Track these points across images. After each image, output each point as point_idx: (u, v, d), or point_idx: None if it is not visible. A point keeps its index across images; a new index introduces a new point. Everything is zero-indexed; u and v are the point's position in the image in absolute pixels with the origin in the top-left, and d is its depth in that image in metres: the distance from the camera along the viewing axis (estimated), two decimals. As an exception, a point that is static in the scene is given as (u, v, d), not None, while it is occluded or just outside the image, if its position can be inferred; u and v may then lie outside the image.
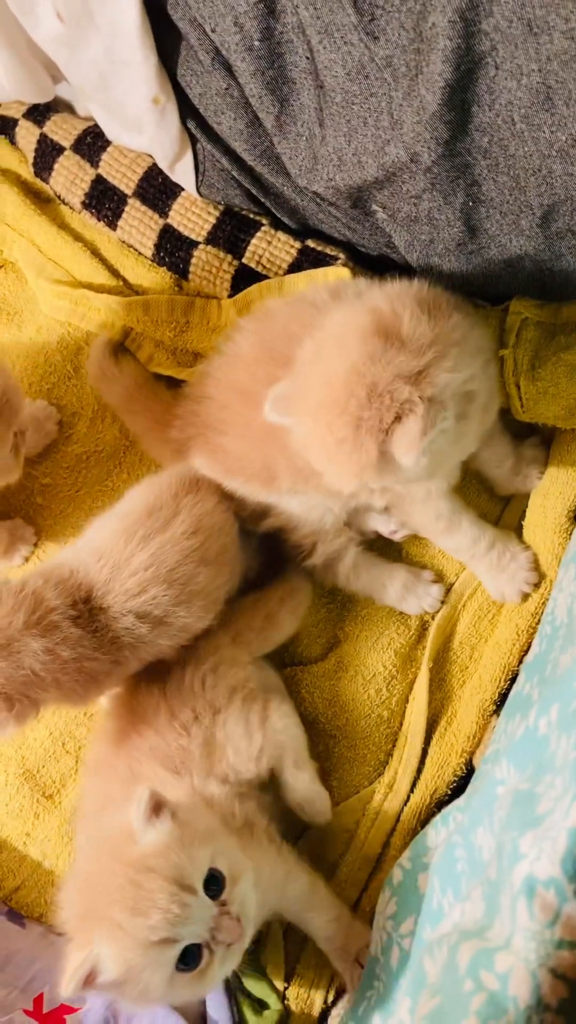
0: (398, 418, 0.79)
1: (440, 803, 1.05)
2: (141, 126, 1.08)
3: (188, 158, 1.13)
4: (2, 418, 1.02)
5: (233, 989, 1.00)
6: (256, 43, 0.88)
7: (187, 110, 1.06)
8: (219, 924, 0.74)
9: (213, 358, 1.09)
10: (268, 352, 0.99)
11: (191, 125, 1.09)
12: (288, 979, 1.03)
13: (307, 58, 0.88)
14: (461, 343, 0.85)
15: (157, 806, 0.77)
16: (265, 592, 1.13)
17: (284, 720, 1.00)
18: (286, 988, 1.02)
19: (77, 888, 0.79)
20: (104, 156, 1.24)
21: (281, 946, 1.03)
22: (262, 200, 1.17)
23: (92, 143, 1.25)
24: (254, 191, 1.15)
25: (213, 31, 0.90)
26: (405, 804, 1.06)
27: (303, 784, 0.99)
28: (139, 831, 0.76)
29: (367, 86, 0.84)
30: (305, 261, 1.19)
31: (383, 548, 1.15)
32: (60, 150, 1.27)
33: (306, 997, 1.01)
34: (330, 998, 1.01)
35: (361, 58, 0.82)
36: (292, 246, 1.19)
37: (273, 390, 0.88)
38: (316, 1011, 1.01)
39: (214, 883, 0.76)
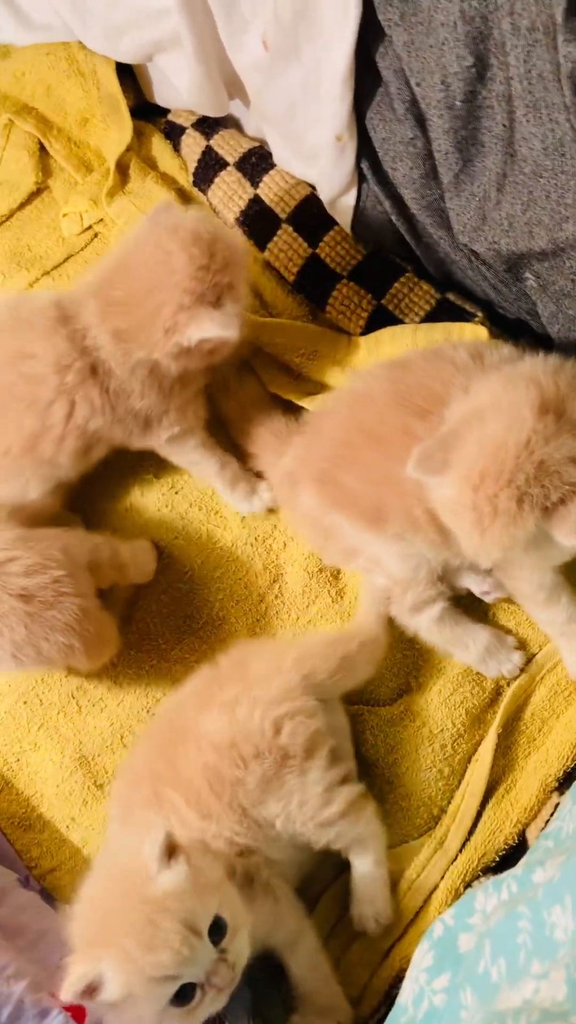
0: (563, 500, 0.81)
1: (486, 869, 1.05)
2: (315, 158, 1.12)
3: (351, 196, 1.16)
4: (230, 270, 1.03)
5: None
6: (458, 103, 0.90)
7: (364, 151, 1.09)
8: (216, 969, 0.79)
9: (340, 394, 1.11)
10: (403, 401, 1.01)
11: (364, 165, 1.11)
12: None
13: (504, 126, 0.90)
14: None
15: (171, 849, 0.81)
16: (343, 633, 1.13)
17: (374, 817, 1.02)
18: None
19: (92, 908, 0.83)
20: (265, 178, 1.28)
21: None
22: (413, 247, 1.19)
23: (256, 163, 1.29)
24: (408, 238, 1.17)
25: (418, 85, 0.93)
26: (452, 863, 1.06)
27: (375, 887, 1.02)
28: (154, 872, 0.80)
29: (561, 163, 0.87)
30: (442, 312, 1.21)
31: (469, 606, 1.16)
32: (223, 165, 1.31)
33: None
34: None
35: (563, 136, 0.84)
36: (432, 296, 1.22)
37: (422, 448, 0.90)
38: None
39: (217, 930, 0.80)
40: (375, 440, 1.02)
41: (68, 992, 0.77)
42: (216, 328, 1.02)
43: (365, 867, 1.01)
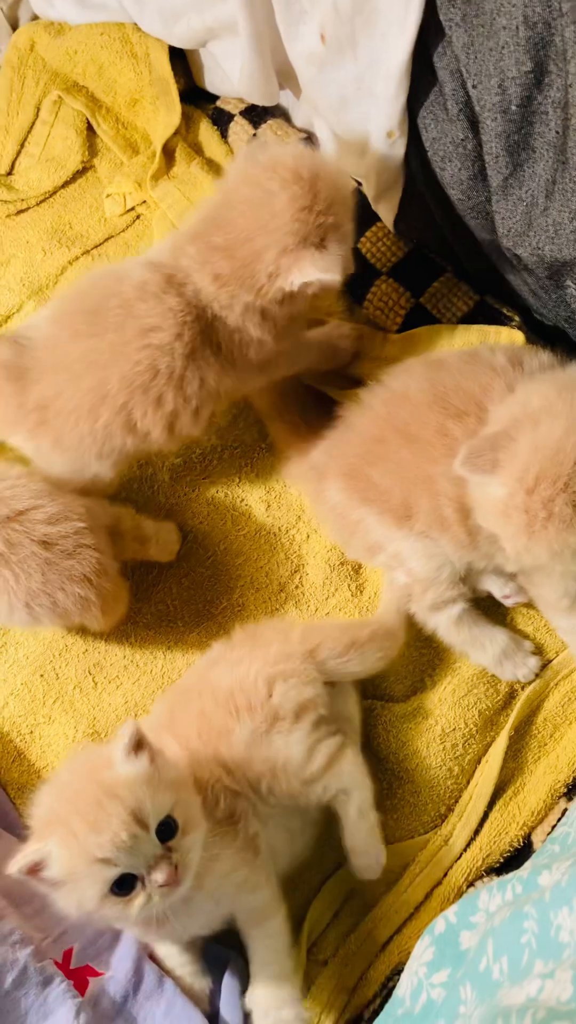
0: None
1: (490, 869, 1.06)
2: (364, 153, 1.12)
3: (397, 193, 1.17)
4: (335, 210, 0.99)
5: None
6: (513, 108, 0.91)
7: (414, 149, 1.10)
8: (157, 864, 0.80)
9: (374, 390, 1.12)
10: (439, 401, 1.01)
11: (412, 163, 1.12)
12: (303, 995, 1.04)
13: (557, 132, 0.90)
14: None
15: (139, 743, 0.83)
16: (359, 621, 1.15)
17: (355, 767, 1.01)
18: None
19: (52, 793, 0.85)
20: (311, 170, 1.28)
21: (303, 963, 1.05)
22: (455, 248, 1.20)
23: (303, 155, 1.29)
24: (450, 238, 1.18)
25: (474, 87, 0.93)
26: (456, 861, 1.07)
27: (363, 833, 1.01)
28: (117, 760, 0.82)
29: (612, 174, 0.87)
30: (480, 315, 1.22)
31: (488, 609, 1.16)
32: (270, 154, 1.31)
33: (317, 1019, 1.03)
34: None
35: (618, 147, 0.85)
36: (471, 297, 1.22)
37: (472, 445, 0.90)
38: (325, 1035, 1.02)
39: (167, 829, 0.82)
40: (409, 438, 1.02)
41: (13, 867, 0.79)
42: (319, 272, 0.98)
43: (351, 817, 1.01)
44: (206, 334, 1.04)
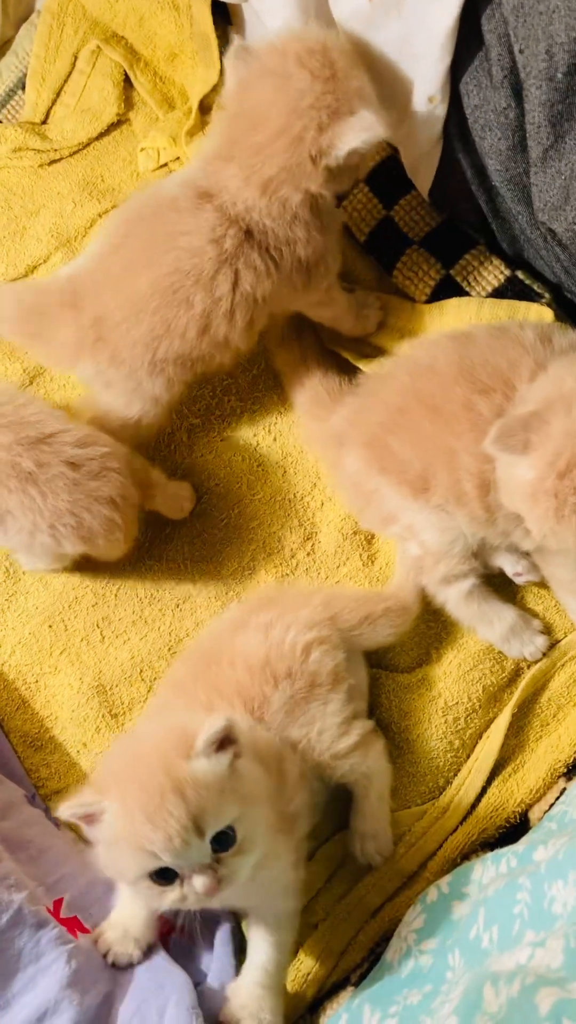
0: None
1: (485, 843, 1.07)
2: (403, 118, 1.10)
3: (433, 161, 1.15)
4: (354, 73, 0.99)
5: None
6: (559, 76, 0.89)
7: (454, 116, 1.08)
8: (203, 871, 0.78)
9: (399, 360, 1.11)
10: (466, 376, 1.00)
11: (451, 131, 1.10)
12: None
13: (602, 104, 0.89)
14: None
15: (226, 740, 0.80)
16: (374, 593, 1.15)
17: (381, 755, 1.03)
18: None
19: (125, 752, 0.83)
20: (347, 134, 1.26)
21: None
22: (489, 220, 1.18)
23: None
24: (485, 209, 1.16)
25: (520, 52, 0.91)
26: (451, 833, 1.07)
27: (378, 820, 1.03)
28: (197, 752, 0.79)
29: None
30: (510, 290, 1.20)
31: (499, 586, 1.16)
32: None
33: (302, 981, 1.04)
34: (326, 988, 1.03)
35: None
36: (502, 272, 1.21)
37: (504, 424, 0.90)
38: (309, 997, 1.03)
39: (225, 839, 0.79)
40: (433, 410, 1.02)
41: (66, 811, 0.78)
42: (362, 133, 0.97)
43: (370, 801, 1.02)
44: (250, 239, 1.05)
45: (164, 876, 0.78)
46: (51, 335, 1.14)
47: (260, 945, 0.93)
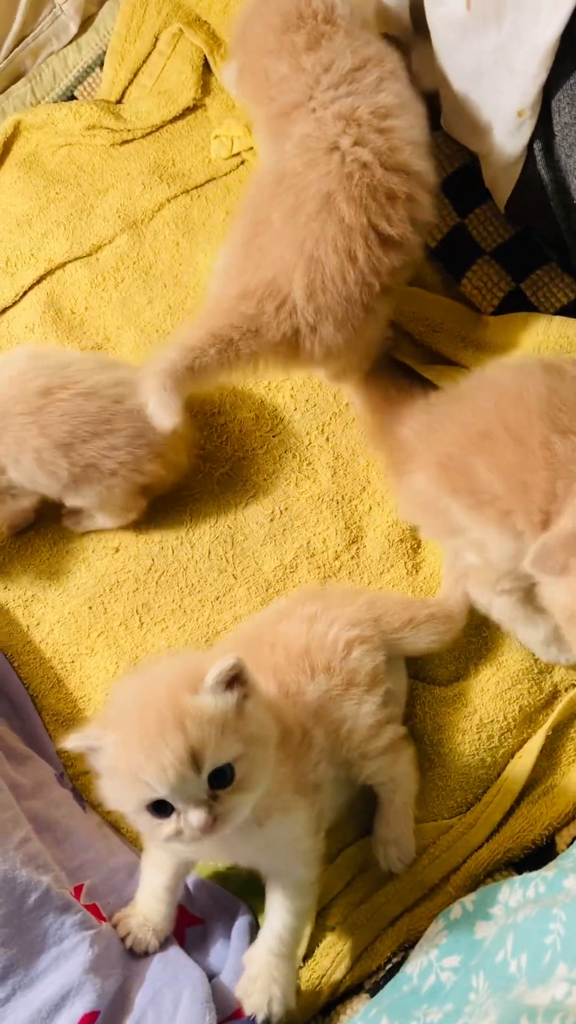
0: None
1: (510, 863, 1.07)
2: (490, 129, 1.09)
3: (513, 174, 1.14)
4: None
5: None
6: None
7: (541, 131, 1.07)
8: (199, 806, 0.77)
9: (483, 383, 1.08)
10: (551, 412, 0.98)
11: (536, 146, 1.09)
12: (305, 958, 1.05)
13: None
14: None
15: (235, 680, 0.79)
16: (421, 600, 1.14)
17: (411, 762, 1.04)
18: (300, 967, 1.05)
19: (134, 686, 0.82)
20: (426, 137, 1.25)
21: (311, 929, 1.06)
22: (565, 237, 1.17)
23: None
24: (562, 227, 1.15)
25: (621, 73, 0.90)
26: (476, 850, 1.07)
27: (401, 827, 1.03)
28: (204, 687, 0.78)
29: None
30: (578, 310, 1.19)
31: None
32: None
33: (317, 981, 1.04)
34: (340, 992, 1.04)
35: None
36: (573, 290, 1.19)
37: (544, 543, 0.91)
38: (323, 999, 1.03)
39: (222, 776, 0.78)
40: (517, 441, 0.99)
41: (70, 743, 0.79)
42: None
43: (395, 807, 1.02)
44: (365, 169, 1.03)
45: (161, 809, 0.78)
46: None
47: (277, 911, 0.93)
